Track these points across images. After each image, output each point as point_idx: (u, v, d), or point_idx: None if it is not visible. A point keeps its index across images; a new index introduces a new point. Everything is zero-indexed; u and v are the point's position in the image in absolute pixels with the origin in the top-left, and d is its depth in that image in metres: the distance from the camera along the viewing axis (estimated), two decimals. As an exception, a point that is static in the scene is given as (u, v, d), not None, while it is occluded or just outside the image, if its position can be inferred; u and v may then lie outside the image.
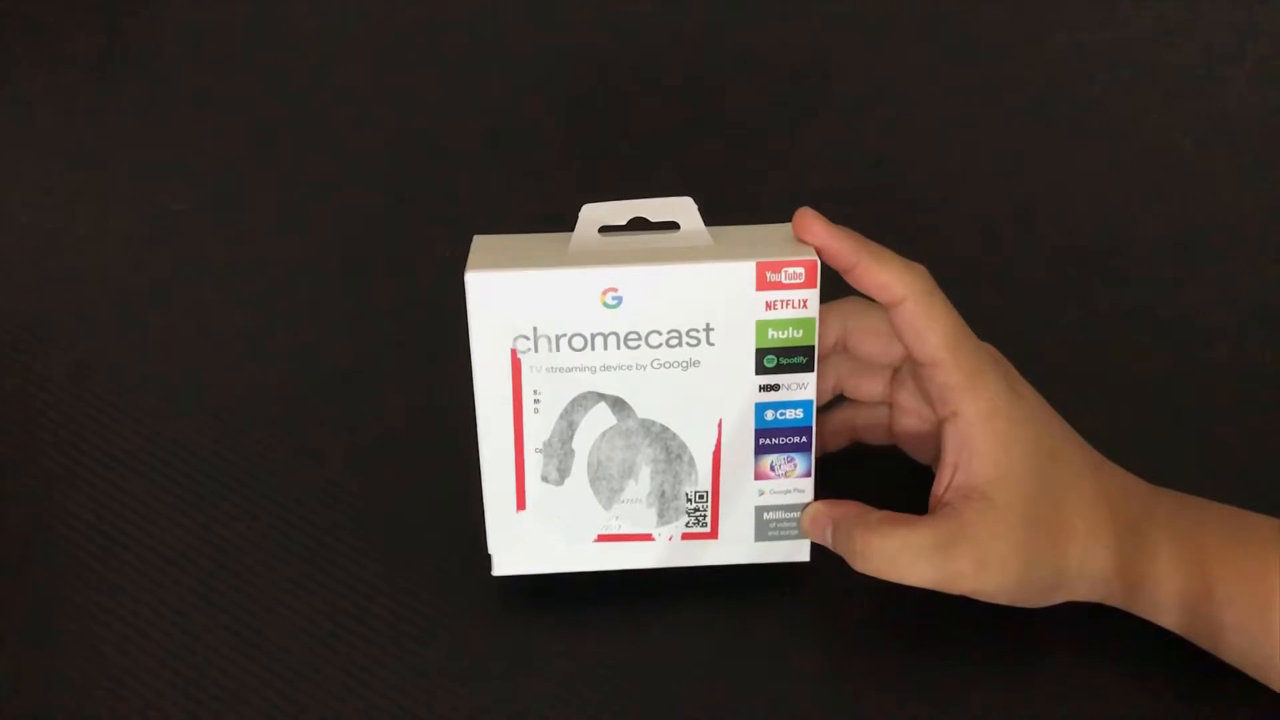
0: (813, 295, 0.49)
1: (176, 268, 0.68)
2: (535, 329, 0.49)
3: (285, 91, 0.79)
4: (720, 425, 0.51)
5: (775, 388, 0.50)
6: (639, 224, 0.51)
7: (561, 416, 0.50)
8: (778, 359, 0.50)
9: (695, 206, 0.50)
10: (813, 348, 0.50)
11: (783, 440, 0.51)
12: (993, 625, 0.52)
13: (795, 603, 0.54)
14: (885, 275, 0.48)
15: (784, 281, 0.49)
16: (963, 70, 0.82)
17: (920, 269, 0.49)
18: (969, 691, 0.51)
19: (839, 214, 0.50)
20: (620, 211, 0.50)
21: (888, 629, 0.53)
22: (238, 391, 0.62)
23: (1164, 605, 0.49)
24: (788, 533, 0.52)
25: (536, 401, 0.50)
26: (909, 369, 0.53)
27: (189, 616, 0.53)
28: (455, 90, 0.80)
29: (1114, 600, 0.50)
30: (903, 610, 0.53)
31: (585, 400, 0.50)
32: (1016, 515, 0.48)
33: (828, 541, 0.51)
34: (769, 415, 0.51)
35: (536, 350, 0.49)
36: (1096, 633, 0.52)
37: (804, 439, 0.51)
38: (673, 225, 0.50)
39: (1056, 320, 0.66)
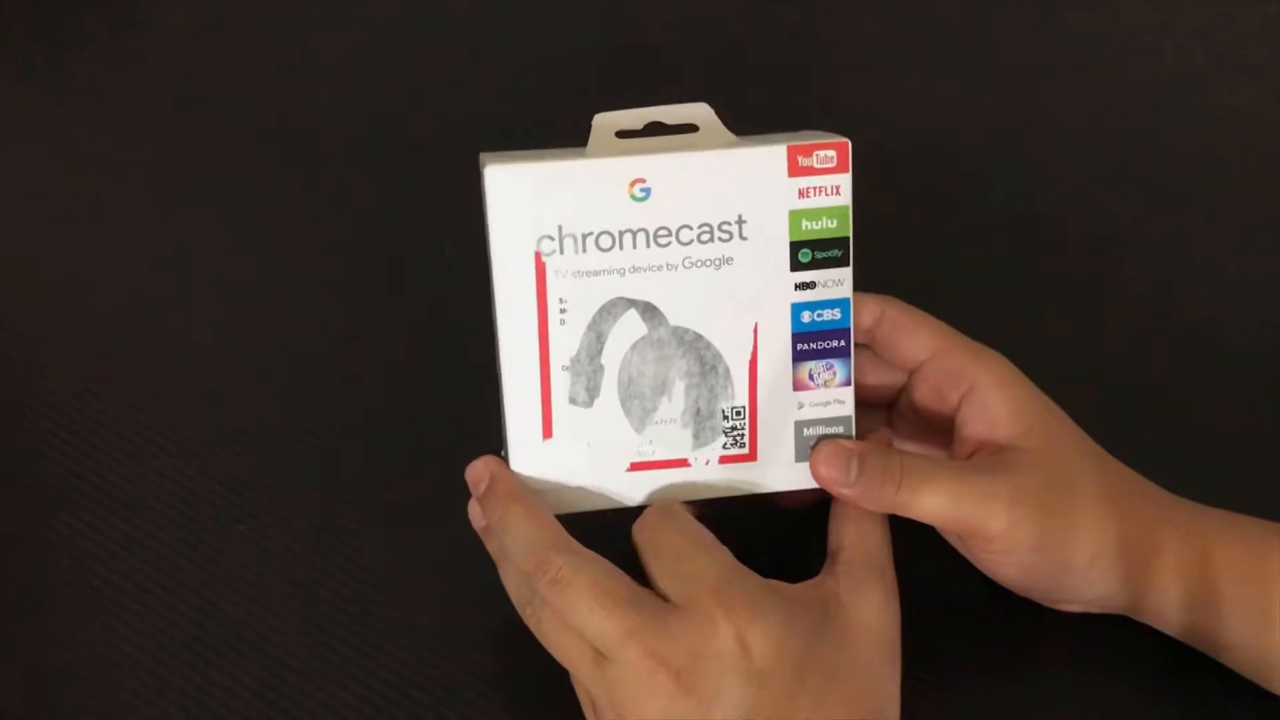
0: (845, 180, 0.47)
1: (175, 266, 0.66)
2: (560, 228, 0.46)
3: (284, 90, 0.77)
4: (756, 330, 0.48)
5: (811, 285, 0.48)
6: (654, 132, 0.49)
7: (589, 328, 0.47)
8: (813, 253, 0.48)
9: (713, 110, 0.48)
10: (848, 239, 0.48)
11: (821, 345, 0.49)
12: (990, 633, 0.51)
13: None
14: (857, 301, 0.49)
15: (816, 166, 0.47)
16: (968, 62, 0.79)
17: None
18: (966, 700, 0.49)
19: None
20: (635, 117, 0.48)
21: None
22: (236, 389, 0.60)
23: (1167, 609, 0.48)
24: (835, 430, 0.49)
25: (563, 311, 0.47)
26: (906, 396, 0.51)
27: (187, 616, 0.51)
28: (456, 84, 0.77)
29: (1117, 601, 0.48)
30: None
31: (614, 308, 0.47)
32: (1047, 464, 0.47)
33: (851, 477, 0.47)
34: (805, 317, 0.48)
35: (562, 252, 0.46)
36: (1097, 643, 0.50)
37: (842, 343, 0.49)
38: (691, 131, 0.49)
39: (1053, 317, 0.64)
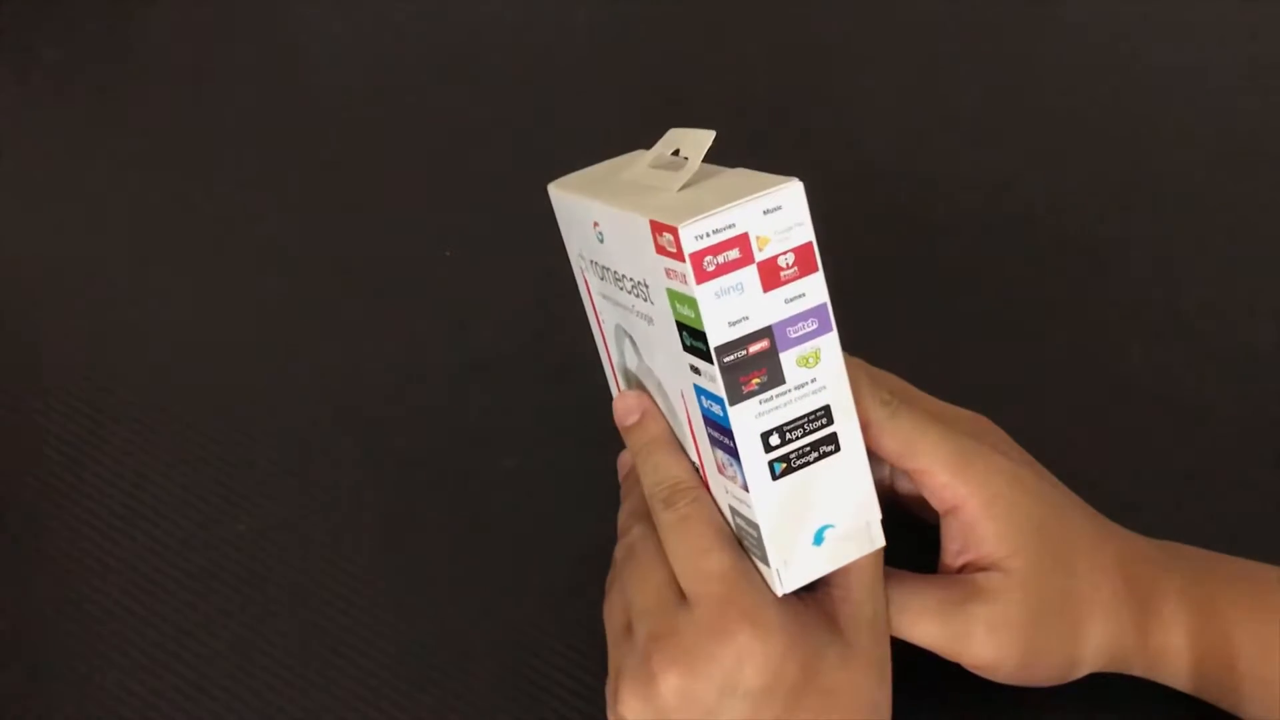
0: (687, 269, 0.40)
1: (176, 266, 0.66)
2: (581, 252, 0.49)
3: (288, 89, 0.75)
4: (684, 398, 0.44)
5: (699, 372, 0.42)
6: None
7: (614, 344, 0.50)
8: (690, 339, 0.42)
9: (706, 141, 0.43)
10: (704, 334, 0.40)
11: (717, 437, 0.43)
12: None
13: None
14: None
15: (667, 249, 0.41)
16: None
17: (875, 373, 0.47)
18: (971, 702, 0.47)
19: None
20: (662, 144, 0.46)
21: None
22: (238, 389, 0.61)
23: (1182, 673, 0.47)
24: (756, 552, 0.44)
25: (603, 323, 0.50)
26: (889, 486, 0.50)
27: (186, 616, 0.52)
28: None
29: (1130, 670, 0.48)
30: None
31: (619, 333, 0.49)
32: (1033, 585, 0.45)
33: None
34: (704, 403, 0.43)
35: (590, 273, 0.49)
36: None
37: (729, 442, 0.42)
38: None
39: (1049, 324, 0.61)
